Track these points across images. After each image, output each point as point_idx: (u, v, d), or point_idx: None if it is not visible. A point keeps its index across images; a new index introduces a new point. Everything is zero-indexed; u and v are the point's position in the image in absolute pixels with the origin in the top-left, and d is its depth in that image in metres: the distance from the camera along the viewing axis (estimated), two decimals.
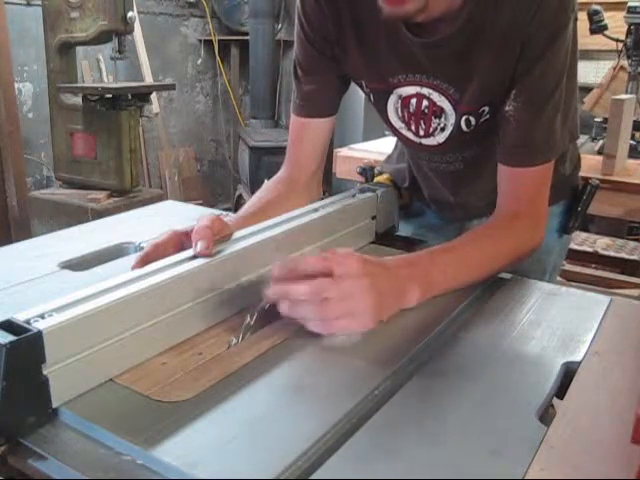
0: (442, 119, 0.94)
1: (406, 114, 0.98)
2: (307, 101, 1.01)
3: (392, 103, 0.98)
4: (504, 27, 0.83)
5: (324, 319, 0.67)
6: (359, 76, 0.98)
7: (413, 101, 0.95)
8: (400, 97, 0.96)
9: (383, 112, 1.01)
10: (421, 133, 0.98)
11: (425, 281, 0.77)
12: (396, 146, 1.25)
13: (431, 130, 0.97)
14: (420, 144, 1.00)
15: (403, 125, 1.00)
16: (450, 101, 0.92)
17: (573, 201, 1.12)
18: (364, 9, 0.89)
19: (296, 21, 0.97)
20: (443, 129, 0.95)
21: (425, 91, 0.93)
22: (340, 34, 0.94)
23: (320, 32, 0.95)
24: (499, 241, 0.88)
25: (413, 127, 0.99)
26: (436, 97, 0.92)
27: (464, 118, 0.92)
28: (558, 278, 2.40)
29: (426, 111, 0.95)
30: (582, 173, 1.18)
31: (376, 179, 1.17)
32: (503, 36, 0.83)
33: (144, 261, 0.72)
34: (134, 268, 0.72)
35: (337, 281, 0.67)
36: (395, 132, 1.04)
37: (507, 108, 0.87)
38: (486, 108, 0.91)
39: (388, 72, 0.94)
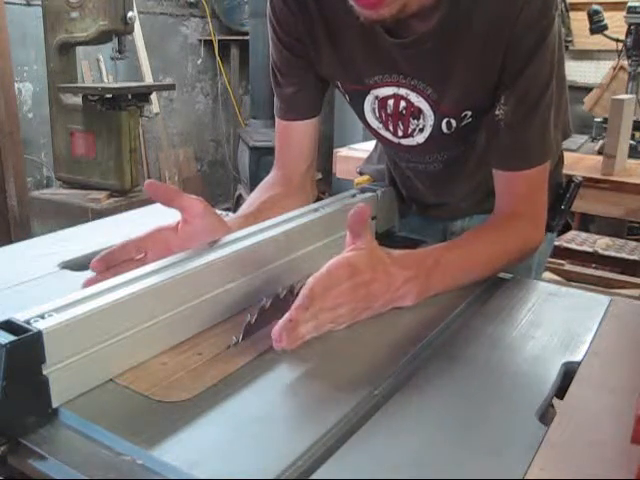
0: (420, 120, 0.93)
1: (383, 115, 0.97)
2: (288, 104, 1.00)
3: (369, 104, 0.97)
4: (484, 27, 0.81)
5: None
6: (334, 77, 0.97)
7: (390, 102, 0.94)
8: (377, 98, 0.95)
9: (360, 113, 1.00)
10: (400, 134, 0.98)
11: (424, 282, 0.77)
12: (376, 147, 1.24)
13: (409, 131, 0.96)
14: (399, 144, 1.00)
15: (381, 125, 0.99)
16: (428, 102, 0.91)
17: (557, 199, 1.10)
18: (334, 9, 0.88)
19: (268, 24, 0.96)
20: (422, 130, 0.94)
21: (402, 92, 0.92)
22: (311, 35, 0.93)
23: (291, 33, 0.94)
24: (501, 240, 0.88)
25: (391, 127, 0.98)
26: (414, 98, 0.91)
27: (445, 121, 0.91)
28: (558, 278, 2.41)
29: (404, 112, 0.94)
30: (581, 173, 1.17)
31: (356, 180, 1.16)
32: (484, 37, 0.82)
33: (106, 260, 0.73)
34: (95, 264, 0.72)
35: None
36: (373, 132, 1.03)
37: (497, 112, 0.86)
38: (468, 112, 0.90)
39: (364, 73, 0.92)
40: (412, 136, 0.96)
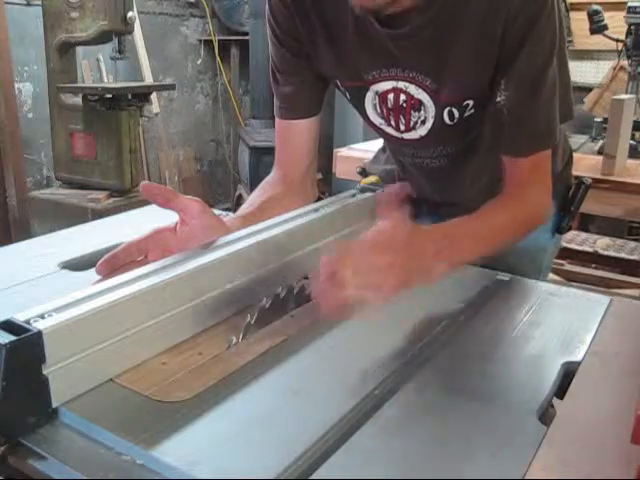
0: (421, 112, 0.93)
1: (385, 110, 0.97)
2: (287, 103, 1.00)
3: (369, 100, 0.97)
4: (480, 14, 0.81)
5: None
6: (333, 75, 0.98)
7: (390, 96, 0.94)
8: (377, 93, 0.95)
9: (361, 110, 1.00)
10: (402, 128, 0.97)
11: (451, 253, 0.73)
12: (384, 148, 1.24)
13: (412, 124, 0.96)
14: (402, 139, 0.99)
15: (383, 121, 0.99)
16: (428, 92, 0.91)
17: (566, 201, 1.10)
18: (330, 7, 0.89)
19: (266, 23, 0.97)
20: (424, 122, 0.94)
21: (401, 85, 0.92)
22: (309, 33, 0.93)
23: (289, 32, 0.94)
24: (511, 209, 0.87)
25: (393, 122, 0.98)
26: (413, 90, 0.91)
27: (447, 110, 0.91)
28: (558, 278, 2.41)
29: (404, 105, 0.94)
30: (581, 173, 1.17)
31: (363, 181, 1.16)
32: (480, 23, 0.82)
33: (110, 263, 0.73)
34: (100, 267, 0.72)
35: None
36: (375, 129, 1.02)
37: (499, 99, 0.85)
38: (470, 102, 0.90)
39: (362, 69, 0.93)
40: (414, 129, 0.96)
